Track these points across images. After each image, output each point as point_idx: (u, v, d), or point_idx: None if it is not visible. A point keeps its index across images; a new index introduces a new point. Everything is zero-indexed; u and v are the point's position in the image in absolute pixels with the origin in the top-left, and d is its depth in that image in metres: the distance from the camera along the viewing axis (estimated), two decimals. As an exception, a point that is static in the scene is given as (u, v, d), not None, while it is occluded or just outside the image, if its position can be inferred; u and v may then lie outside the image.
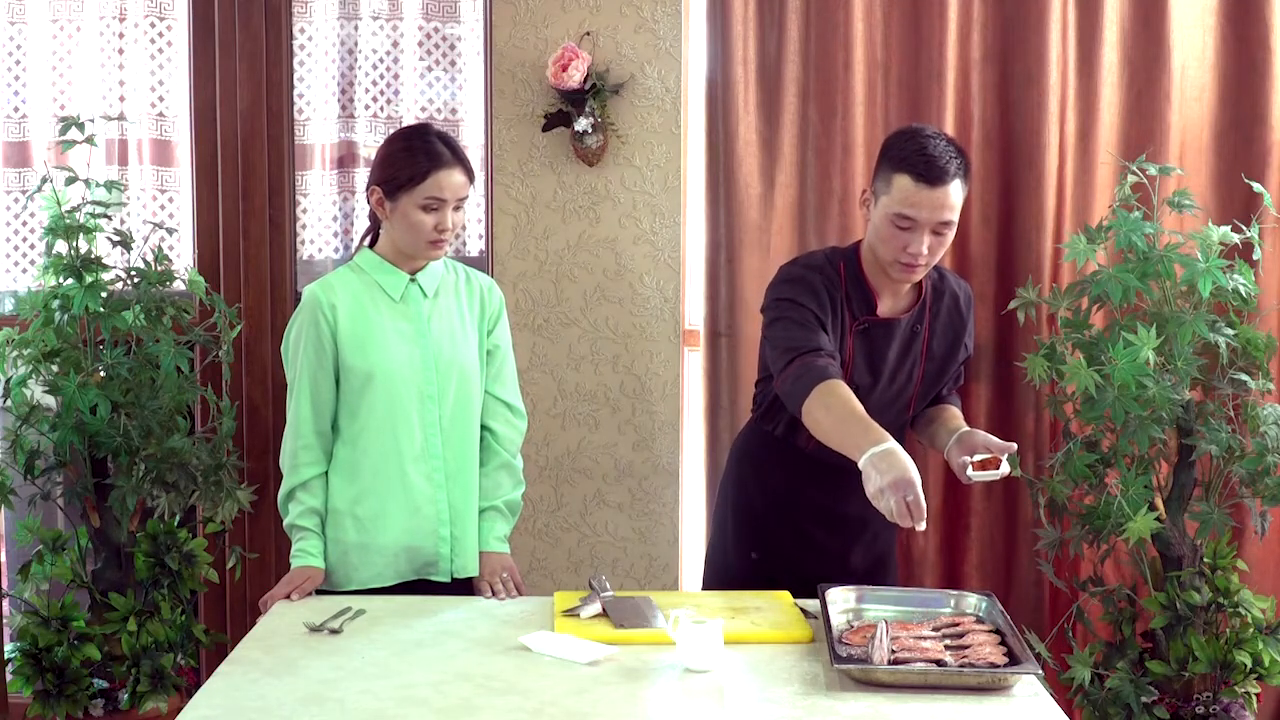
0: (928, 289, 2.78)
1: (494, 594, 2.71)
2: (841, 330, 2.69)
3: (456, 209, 2.69)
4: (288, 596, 2.63)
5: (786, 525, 2.87)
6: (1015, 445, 2.54)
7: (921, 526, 2.29)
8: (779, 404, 2.77)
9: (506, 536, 2.83)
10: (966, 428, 2.69)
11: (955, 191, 2.60)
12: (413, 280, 2.75)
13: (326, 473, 2.74)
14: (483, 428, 2.83)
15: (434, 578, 2.75)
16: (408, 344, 2.72)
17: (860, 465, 2.36)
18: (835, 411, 2.49)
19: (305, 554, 2.69)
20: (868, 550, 2.88)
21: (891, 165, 2.61)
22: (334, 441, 2.74)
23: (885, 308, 2.73)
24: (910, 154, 2.58)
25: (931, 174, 2.56)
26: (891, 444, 2.36)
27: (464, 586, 2.78)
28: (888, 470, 2.30)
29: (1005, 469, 2.51)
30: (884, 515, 2.31)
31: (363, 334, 2.70)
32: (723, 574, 2.96)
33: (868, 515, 2.80)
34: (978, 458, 2.52)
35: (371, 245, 2.79)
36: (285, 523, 2.75)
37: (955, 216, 2.62)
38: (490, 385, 2.83)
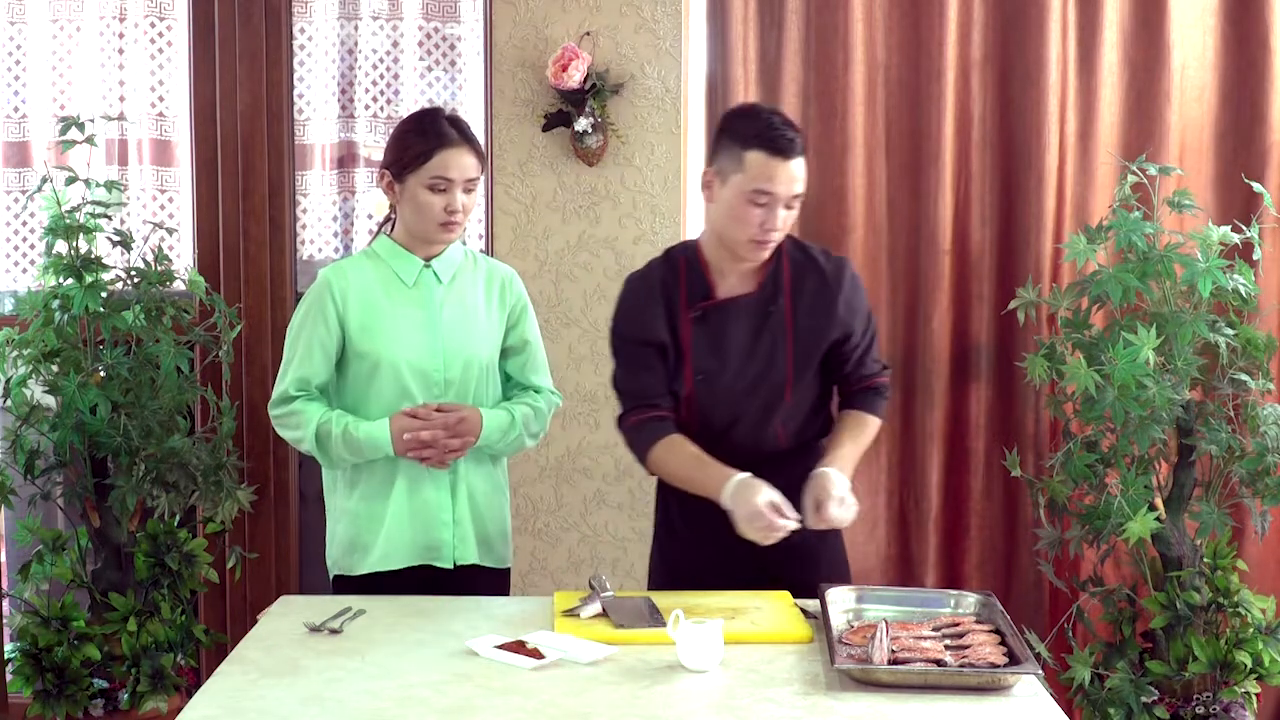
0: (781, 267, 2.72)
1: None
2: (679, 321, 2.71)
3: (467, 191, 2.67)
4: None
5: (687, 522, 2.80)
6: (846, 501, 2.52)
7: (793, 527, 2.47)
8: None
9: (498, 424, 2.76)
10: (829, 466, 2.60)
11: (803, 165, 2.62)
12: (427, 266, 2.74)
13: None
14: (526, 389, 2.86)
15: (437, 563, 2.76)
16: (417, 330, 2.71)
17: (725, 507, 2.53)
18: (683, 464, 2.66)
19: (374, 427, 2.66)
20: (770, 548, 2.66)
21: (740, 143, 2.60)
22: None
23: (725, 289, 2.71)
24: (760, 130, 2.61)
25: (784, 147, 2.58)
26: (737, 479, 2.52)
27: (467, 572, 2.78)
28: (737, 508, 2.50)
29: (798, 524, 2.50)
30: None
31: (372, 320, 2.70)
32: (663, 570, 2.88)
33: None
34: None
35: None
36: (309, 444, 2.67)
37: (804, 190, 2.64)
38: (527, 376, 2.86)
